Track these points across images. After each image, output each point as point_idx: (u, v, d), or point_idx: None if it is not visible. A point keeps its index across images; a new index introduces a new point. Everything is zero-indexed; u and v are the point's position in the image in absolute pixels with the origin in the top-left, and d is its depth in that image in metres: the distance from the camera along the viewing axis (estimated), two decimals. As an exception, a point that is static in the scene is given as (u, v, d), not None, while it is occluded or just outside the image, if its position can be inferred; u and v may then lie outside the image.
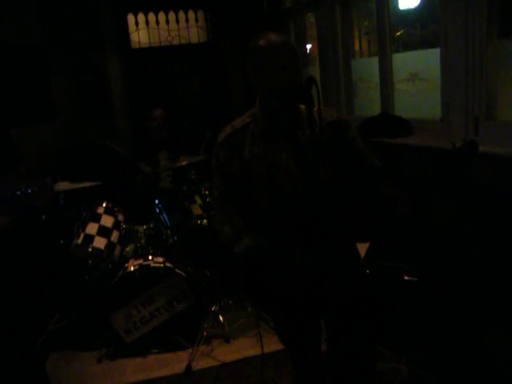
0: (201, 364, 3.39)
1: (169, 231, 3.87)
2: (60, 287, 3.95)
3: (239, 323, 3.72)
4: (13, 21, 5.10)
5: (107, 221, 3.71)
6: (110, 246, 3.64)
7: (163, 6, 5.99)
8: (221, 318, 3.71)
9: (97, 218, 3.69)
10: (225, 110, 6.08)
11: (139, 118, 4.45)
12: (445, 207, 3.06)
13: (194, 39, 6.19)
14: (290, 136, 2.00)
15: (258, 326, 3.39)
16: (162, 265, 3.55)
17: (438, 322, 2.90)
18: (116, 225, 3.75)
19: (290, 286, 2.07)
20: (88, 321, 3.77)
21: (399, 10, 3.97)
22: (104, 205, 3.76)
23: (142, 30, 6.00)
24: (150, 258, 3.60)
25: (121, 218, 3.81)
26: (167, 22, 6.04)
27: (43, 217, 3.92)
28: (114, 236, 3.70)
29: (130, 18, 5.92)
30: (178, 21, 6.08)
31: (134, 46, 5.99)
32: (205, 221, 3.75)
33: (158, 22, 6.01)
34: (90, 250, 3.56)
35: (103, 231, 3.65)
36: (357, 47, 4.69)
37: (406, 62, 3.81)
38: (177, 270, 3.56)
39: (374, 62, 3.91)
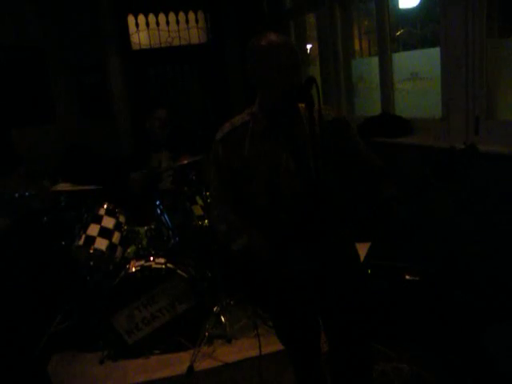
0: (203, 365, 3.40)
1: (170, 232, 3.87)
2: (62, 289, 3.96)
3: (241, 324, 3.73)
4: (13, 22, 5.11)
5: (108, 222, 3.72)
6: (112, 247, 3.65)
7: (163, 7, 5.98)
8: (222, 319, 3.71)
9: (98, 220, 3.69)
10: (225, 110, 6.08)
11: (140, 118, 4.45)
12: (445, 206, 3.06)
13: (194, 40, 6.19)
14: (290, 135, 2.00)
15: (257, 326, 3.39)
16: (163, 266, 3.55)
17: (439, 321, 2.90)
18: (117, 226, 3.75)
19: (288, 285, 2.07)
20: (90, 322, 3.77)
21: (399, 9, 3.97)
22: (105, 206, 3.77)
23: (142, 31, 5.99)
24: (152, 259, 3.61)
25: (122, 219, 3.81)
26: (167, 23, 6.03)
27: (44, 218, 3.92)
28: (116, 237, 3.70)
29: (131, 19, 5.92)
30: (178, 22, 6.07)
31: (135, 47, 5.99)
32: (206, 221, 3.75)
33: (158, 23, 6.00)
34: (91, 251, 3.57)
35: (104, 232, 3.65)
36: (357, 47, 4.69)
37: (406, 61, 3.81)
38: (178, 271, 3.56)
39: (374, 61, 3.91)
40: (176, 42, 6.12)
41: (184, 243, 3.89)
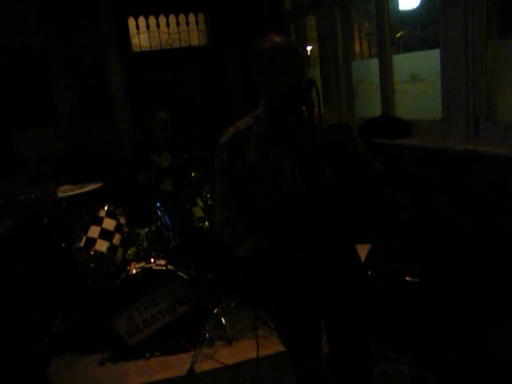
0: (203, 366, 3.40)
1: (171, 234, 3.87)
2: (62, 290, 3.96)
3: (241, 325, 3.73)
4: (13, 24, 5.12)
5: (109, 224, 3.72)
6: (112, 249, 3.65)
7: (164, 10, 5.99)
8: (223, 320, 3.71)
9: (99, 221, 3.70)
10: (225, 112, 6.09)
11: (140, 120, 4.46)
12: (445, 208, 3.07)
13: (195, 42, 6.20)
14: (293, 138, 2.01)
15: (256, 328, 3.39)
16: (164, 267, 3.56)
17: (440, 322, 2.90)
18: (118, 228, 3.76)
19: (289, 288, 2.07)
20: (90, 324, 3.77)
21: (399, 11, 3.98)
22: (106, 208, 3.77)
23: (142, 34, 6.01)
24: (152, 260, 3.61)
25: (123, 221, 3.82)
26: (168, 25, 6.05)
27: (45, 220, 3.93)
28: (116, 239, 3.71)
29: (131, 21, 5.93)
30: (178, 24, 6.08)
31: (135, 49, 6.00)
32: (206, 223, 3.75)
33: (158, 26, 6.01)
34: (92, 253, 3.57)
35: (105, 234, 3.66)
36: (357, 49, 4.70)
37: (406, 63, 3.82)
38: (179, 273, 3.56)
39: (375, 63, 3.91)
40: (176, 44, 6.13)
41: (184, 245, 3.90)
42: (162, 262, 3.60)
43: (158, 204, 3.93)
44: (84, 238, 3.61)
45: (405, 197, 1.99)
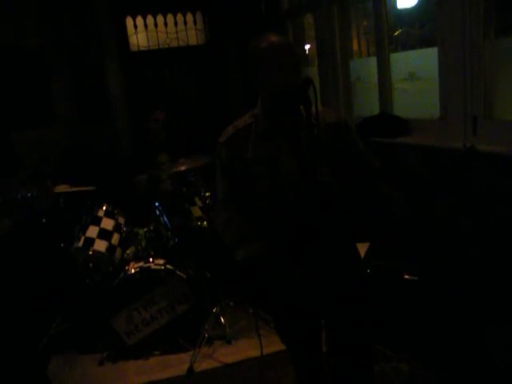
0: (202, 365, 3.41)
1: (169, 233, 3.88)
2: (61, 290, 3.96)
3: (240, 324, 3.74)
4: (12, 24, 5.11)
5: (108, 224, 3.72)
6: (111, 248, 3.65)
7: (161, 9, 5.98)
8: (222, 320, 3.72)
9: (97, 221, 3.70)
10: (223, 111, 6.08)
11: (139, 119, 4.46)
12: (444, 206, 3.07)
13: (193, 41, 6.18)
14: (292, 137, 2.01)
15: (258, 327, 3.38)
16: (162, 267, 3.56)
17: (439, 321, 2.90)
18: (116, 227, 3.75)
19: (289, 287, 2.08)
20: (89, 324, 3.78)
21: (397, 9, 3.97)
22: (104, 208, 3.77)
23: (140, 33, 5.99)
24: (151, 260, 3.62)
25: (121, 220, 3.82)
26: (165, 24, 6.03)
27: (44, 220, 3.93)
28: (115, 239, 3.71)
29: (129, 21, 5.92)
30: (176, 23, 6.07)
31: (133, 48, 5.99)
32: (205, 223, 3.76)
33: (156, 25, 6.00)
34: (90, 253, 3.58)
35: (104, 234, 3.66)
36: (356, 47, 4.69)
37: (404, 61, 3.81)
38: (177, 272, 3.57)
39: (373, 61, 3.91)
40: (174, 44, 6.12)
41: (183, 244, 3.90)
42: (161, 261, 3.60)
43: (157, 203, 3.93)
44: (82, 238, 3.61)
45: (403, 194, 1.99)
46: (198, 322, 3.62)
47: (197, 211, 3.82)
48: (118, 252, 3.71)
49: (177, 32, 6.10)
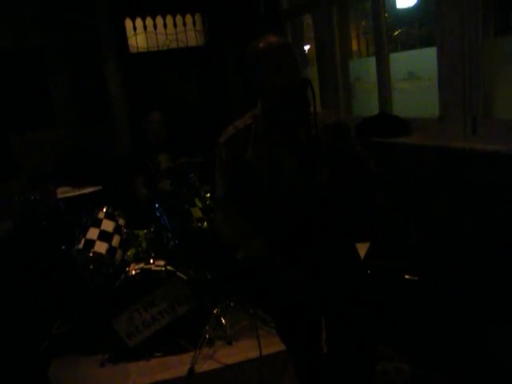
0: (203, 366, 3.40)
1: (169, 235, 3.88)
2: (62, 292, 3.96)
3: (241, 325, 3.74)
4: (11, 26, 5.12)
5: (108, 225, 3.72)
6: (111, 250, 3.65)
7: (161, 11, 5.99)
8: (223, 321, 3.72)
9: (97, 223, 3.70)
10: (223, 112, 6.08)
11: (138, 121, 4.46)
12: (444, 205, 3.07)
13: (192, 42, 6.19)
14: (291, 137, 2.02)
15: (257, 327, 3.39)
16: (163, 268, 3.56)
17: (440, 320, 2.90)
18: (117, 229, 3.76)
19: (289, 288, 2.08)
20: (90, 325, 3.78)
21: (397, 9, 3.97)
22: (104, 209, 3.78)
23: (139, 35, 6.00)
24: (151, 261, 3.62)
25: (121, 222, 3.82)
26: (165, 26, 6.04)
27: (44, 222, 3.93)
28: (115, 240, 3.71)
29: (128, 22, 5.92)
30: (175, 25, 6.08)
31: (133, 50, 5.99)
32: (205, 224, 3.75)
33: (155, 27, 6.01)
34: (91, 254, 3.58)
35: (104, 236, 3.66)
36: (355, 47, 4.69)
37: (403, 61, 3.81)
38: (178, 273, 3.57)
39: (372, 61, 3.91)
40: (174, 45, 6.12)
41: (183, 245, 3.90)
42: (161, 262, 3.60)
43: (157, 205, 3.93)
44: (83, 240, 3.61)
45: (399, 198, 2.00)
46: (198, 323, 3.62)
47: (197, 212, 3.81)
48: (119, 254, 3.71)
49: (176, 33, 6.11)
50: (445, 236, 3.12)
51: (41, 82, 5.41)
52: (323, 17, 4.37)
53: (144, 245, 3.80)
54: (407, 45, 4.12)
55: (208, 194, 3.84)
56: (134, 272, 3.52)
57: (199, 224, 3.78)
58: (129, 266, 3.62)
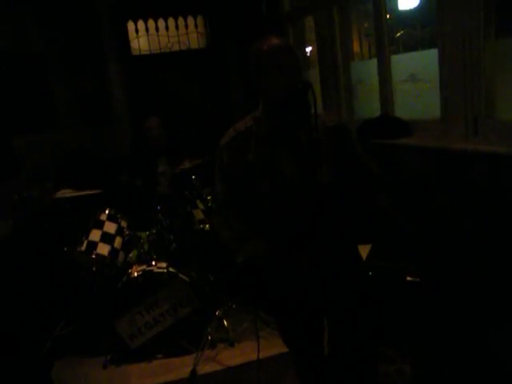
0: (206, 368, 3.40)
1: (171, 236, 3.88)
2: (65, 294, 3.97)
3: (243, 327, 3.73)
4: (13, 28, 5.13)
5: (110, 227, 3.73)
6: (114, 252, 3.66)
7: (163, 13, 6.01)
8: (225, 322, 3.72)
9: (100, 225, 3.71)
10: (225, 114, 6.10)
11: (140, 123, 4.48)
12: (446, 207, 3.07)
13: (194, 45, 6.21)
14: (292, 139, 2.02)
15: (257, 329, 3.37)
16: (165, 270, 3.56)
17: (441, 322, 2.90)
18: (119, 231, 3.76)
19: (291, 290, 2.09)
20: (93, 327, 3.78)
21: (399, 10, 3.98)
22: (107, 211, 3.78)
23: (142, 37, 6.02)
24: (154, 263, 3.62)
25: (124, 224, 3.82)
26: (167, 28, 6.06)
27: (46, 224, 3.94)
28: (118, 242, 3.71)
29: (130, 25, 5.95)
30: (177, 27, 6.10)
31: (135, 52, 6.01)
32: (207, 225, 3.76)
33: (157, 29, 6.03)
34: (93, 256, 3.58)
35: (106, 238, 3.66)
36: (357, 49, 4.70)
37: (405, 62, 3.81)
38: (180, 275, 3.57)
39: (374, 63, 3.91)
40: (176, 47, 6.14)
41: (185, 247, 3.90)
42: (164, 264, 3.61)
43: (159, 207, 3.94)
44: (85, 242, 3.62)
45: (395, 206, 2.00)
46: (200, 324, 3.62)
47: (199, 214, 3.82)
48: (121, 255, 3.72)
49: (178, 36, 6.13)
50: (446, 237, 3.12)
51: (42, 84, 5.42)
52: (324, 18, 4.38)
53: (146, 247, 3.80)
54: (409, 46, 4.13)
55: (210, 197, 3.84)
56: (136, 274, 3.53)
57: (201, 226, 3.79)
58: (131, 267, 3.63)
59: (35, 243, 3.96)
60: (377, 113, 3.88)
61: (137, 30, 5.98)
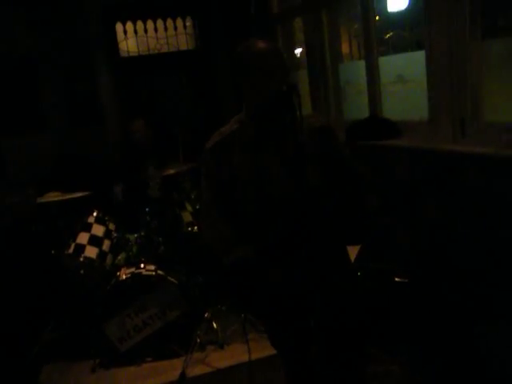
0: (195, 371, 3.39)
1: (160, 239, 3.87)
2: (52, 297, 3.94)
3: (232, 329, 3.73)
4: (1, 31, 5.11)
5: (98, 230, 3.71)
6: (102, 255, 3.65)
7: (151, 14, 5.98)
8: (214, 325, 3.71)
9: (88, 228, 3.69)
10: (215, 115, 6.08)
11: (128, 126, 4.46)
12: (434, 207, 3.08)
13: (183, 46, 6.19)
14: (278, 142, 2.01)
15: (247, 332, 3.37)
16: (153, 273, 3.55)
17: (430, 322, 2.90)
18: (107, 234, 3.75)
19: (278, 294, 2.08)
20: (81, 330, 3.75)
21: (388, 12, 3.99)
22: (95, 214, 3.77)
23: (130, 39, 5.98)
24: (142, 266, 3.60)
25: (112, 226, 3.81)
26: (155, 29, 6.03)
27: (34, 227, 3.91)
28: (106, 245, 3.70)
29: (119, 26, 5.92)
30: (166, 28, 6.07)
31: (123, 54, 5.98)
32: (195, 228, 3.75)
33: (146, 30, 6.00)
34: (81, 259, 3.57)
35: (94, 240, 3.65)
36: (347, 51, 4.70)
37: (393, 64, 3.82)
38: (169, 278, 3.56)
39: (362, 65, 3.91)
40: (164, 49, 6.12)
41: (174, 250, 3.89)
42: (152, 267, 3.59)
43: (147, 209, 3.92)
44: (73, 245, 3.60)
45: (390, 200, 2.01)
46: (190, 327, 3.61)
47: (187, 216, 3.81)
48: (109, 258, 3.70)
49: (167, 37, 6.10)
50: (435, 238, 3.13)
51: (31, 87, 5.39)
52: (313, 20, 4.38)
53: (134, 249, 3.79)
54: (398, 48, 4.13)
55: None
56: (124, 276, 3.51)
57: (189, 228, 3.78)
58: (119, 270, 3.61)
59: (23, 246, 3.93)
60: (365, 114, 3.89)
61: (125, 32, 5.94)
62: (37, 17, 5.35)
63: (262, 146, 2.01)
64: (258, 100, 1.96)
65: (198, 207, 3.78)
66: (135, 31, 5.97)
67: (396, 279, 3.06)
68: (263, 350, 3.14)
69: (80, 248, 3.58)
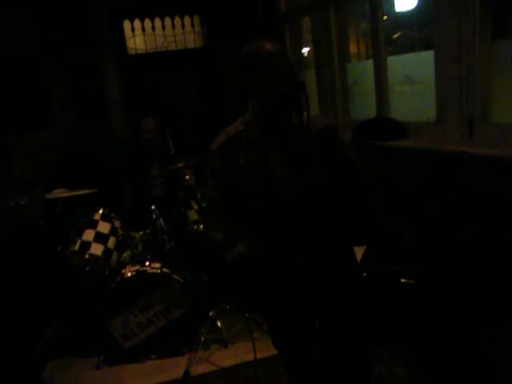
0: (199, 369, 3.38)
1: (165, 237, 3.87)
2: (57, 294, 3.95)
3: (237, 328, 3.72)
4: (10, 29, 5.12)
5: (104, 227, 3.71)
6: (107, 252, 3.64)
7: (159, 12, 5.99)
8: (218, 323, 3.70)
9: (93, 225, 3.69)
10: (221, 114, 6.09)
11: (136, 123, 4.46)
12: (440, 208, 3.06)
13: (190, 44, 6.20)
14: (284, 142, 2.01)
15: (252, 330, 3.36)
16: (158, 271, 3.54)
17: (436, 324, 2.89)
18: (113, 231, 3.74)
19: (282, 292, 2.08)
20: (86, 327, 3.75)
21: (396, 12, 3.97)
22: (100, 211, 3.76)
23: (138, 36, 6.00)
24: (147, 263, 3.60)
25: (117, 224, 3.81)
26: (163, 27, 6.04)
27: (40, 224, 3.92)
28: (111, 242, 3.70)
29: (127, 24, 5.93)
30: (174, 26, 6.08)
31: (131, 52, 5.99)
32: (201, 226, 3.75)
33: (154, 28, 6.01)
34: (86, 256, 3.57)
35: (100, 238, 3.65)
36: (354, 50, 4.69)
37: (401, 64, 3.81)
38: (174, 276, 3.55)
39: (370, 64, 3.91)
40: (172, 47, 6.13)
41: (179, 248, 3.89)
42: (157, 265, 3.59)
43: (153, 207, 3.92)
44: (79, 242, 3.60)
45: (396, 201, 2.00)
46: (194, 325, 3.60)
47: (193, 215, 3.81)
48: (114, 255, 3.70)
49: (174, 35, 6.11)
50: (441, 239, 3.12)
51: (40, 85, 5.41)
52: (321, 19, 4.37)
53: (140, 247, 3.79)
54: (406, 48, 4.12)
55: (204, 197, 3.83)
56: (129, 274, 3.51)
57: (195, 226, 3.78)
58: (124, 268, 3.60)
59: (28, 243, 3.93)
60: (373, 114, 3.88)
61: (133, 29, 5.96)
62: (45, 16, 5.36)
63: (268, 146, 2.01)
64: (265, 101, 1.95)
65: (203, 205, 3.78)
66: (143, 29, 5.99)
67: (402, 280, 3.05)
68: (268, 348, 3.13)
69: (86, 245, 3.58)
